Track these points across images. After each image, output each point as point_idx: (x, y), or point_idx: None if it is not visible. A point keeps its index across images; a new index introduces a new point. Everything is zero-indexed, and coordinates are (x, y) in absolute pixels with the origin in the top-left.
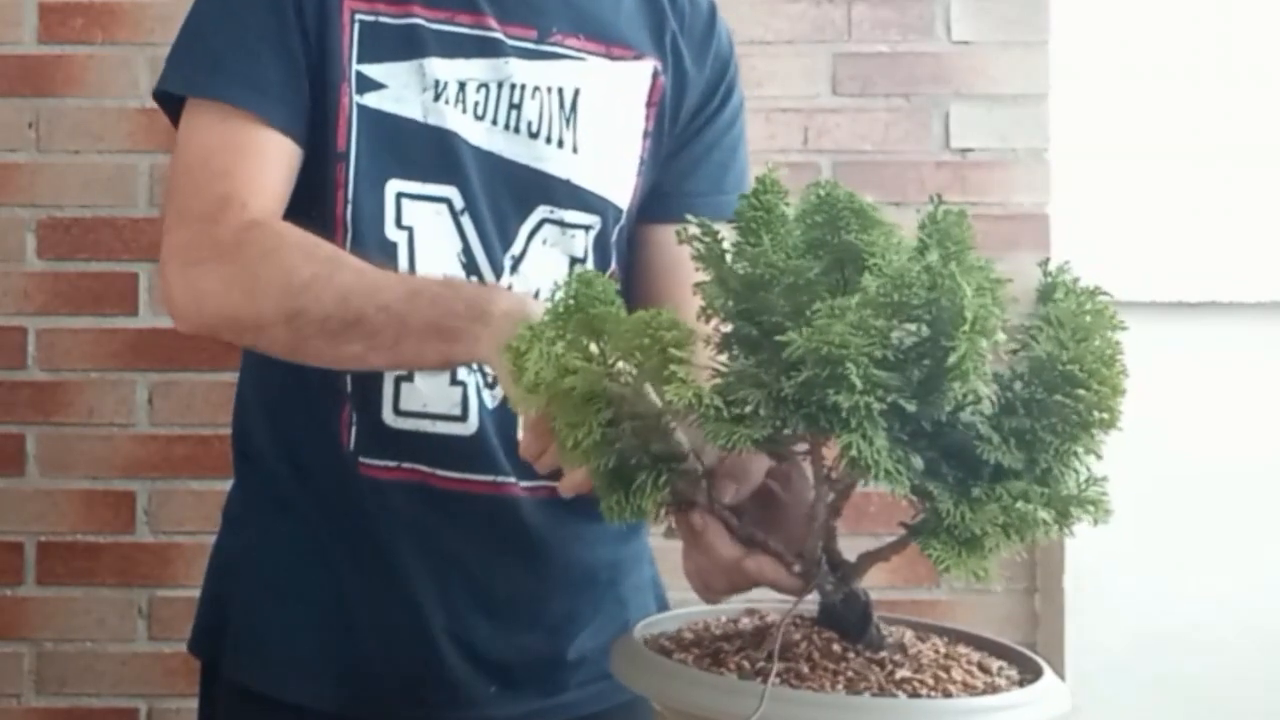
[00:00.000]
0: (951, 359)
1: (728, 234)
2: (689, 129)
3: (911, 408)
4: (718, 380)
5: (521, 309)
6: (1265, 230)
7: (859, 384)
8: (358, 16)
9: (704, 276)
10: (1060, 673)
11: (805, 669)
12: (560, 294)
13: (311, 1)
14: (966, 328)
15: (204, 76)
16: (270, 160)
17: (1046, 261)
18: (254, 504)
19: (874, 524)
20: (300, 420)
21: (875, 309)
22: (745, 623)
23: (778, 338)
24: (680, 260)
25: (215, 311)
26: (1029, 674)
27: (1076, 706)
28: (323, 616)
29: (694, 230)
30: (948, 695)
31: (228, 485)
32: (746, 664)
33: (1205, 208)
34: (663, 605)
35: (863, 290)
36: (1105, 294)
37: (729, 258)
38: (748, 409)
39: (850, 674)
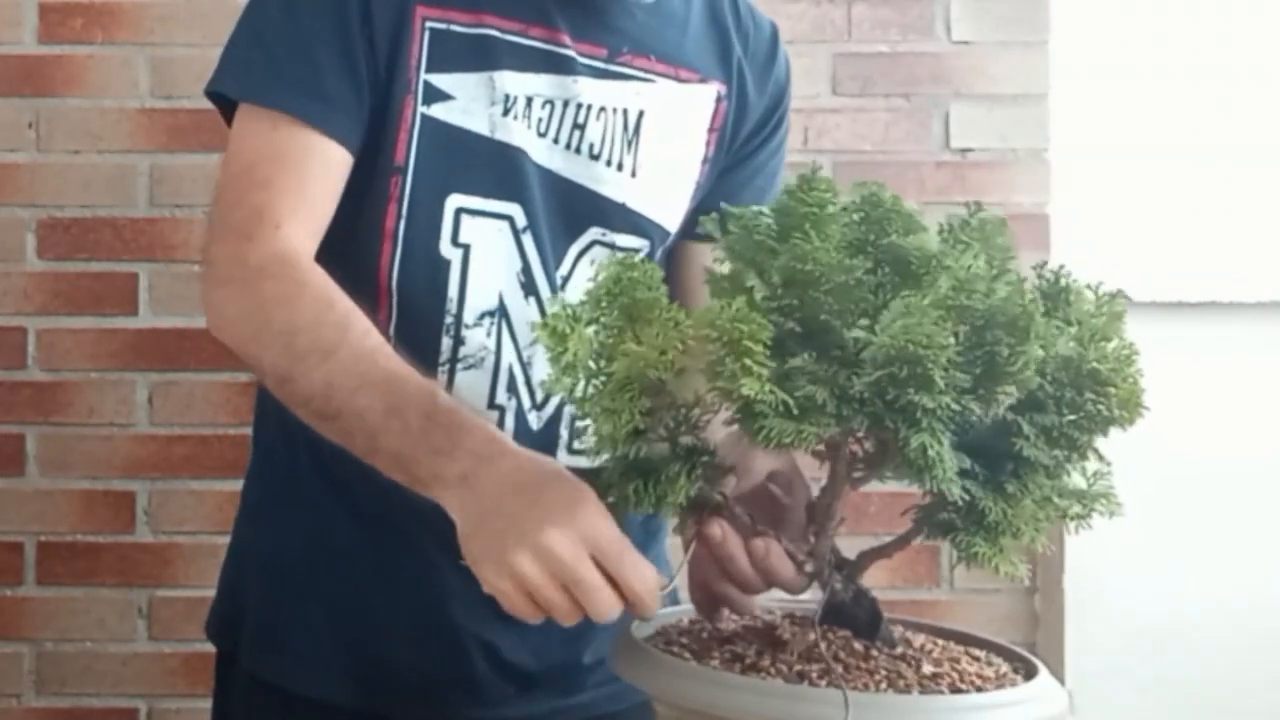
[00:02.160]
0: (1017, 364)
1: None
2: (741, 151)
3: (978, 409)
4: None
5: (477, 469)
6: (1265, 230)
7: (940, 384)
8: (429, 24)
9: (722, 269)
10: (1060, 673)
11: (840, 669)
12: (601, 277)
13: (383, 10)
14: (1032, 335)
15: (261, 82)
16: (315, 170)
17: (1044, 265)
18: (273, 495)
19: (874, 524)
20: None
21: (945, 311)
22: (737, 623)
23: (851, 335)
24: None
25: (230, 336)
26: (1016, 665)
27: (1077, 707)
28: (343, 612)
29: (723, 222)
30: (979, 689)
31: (228, 485)
32: (784, 667)
33: (1205, 208)
34: (675, 603)
35: (934, 290)
36: (1126, 297)
37: (764, 253)
38: (816, 406)
39: (884, 672)
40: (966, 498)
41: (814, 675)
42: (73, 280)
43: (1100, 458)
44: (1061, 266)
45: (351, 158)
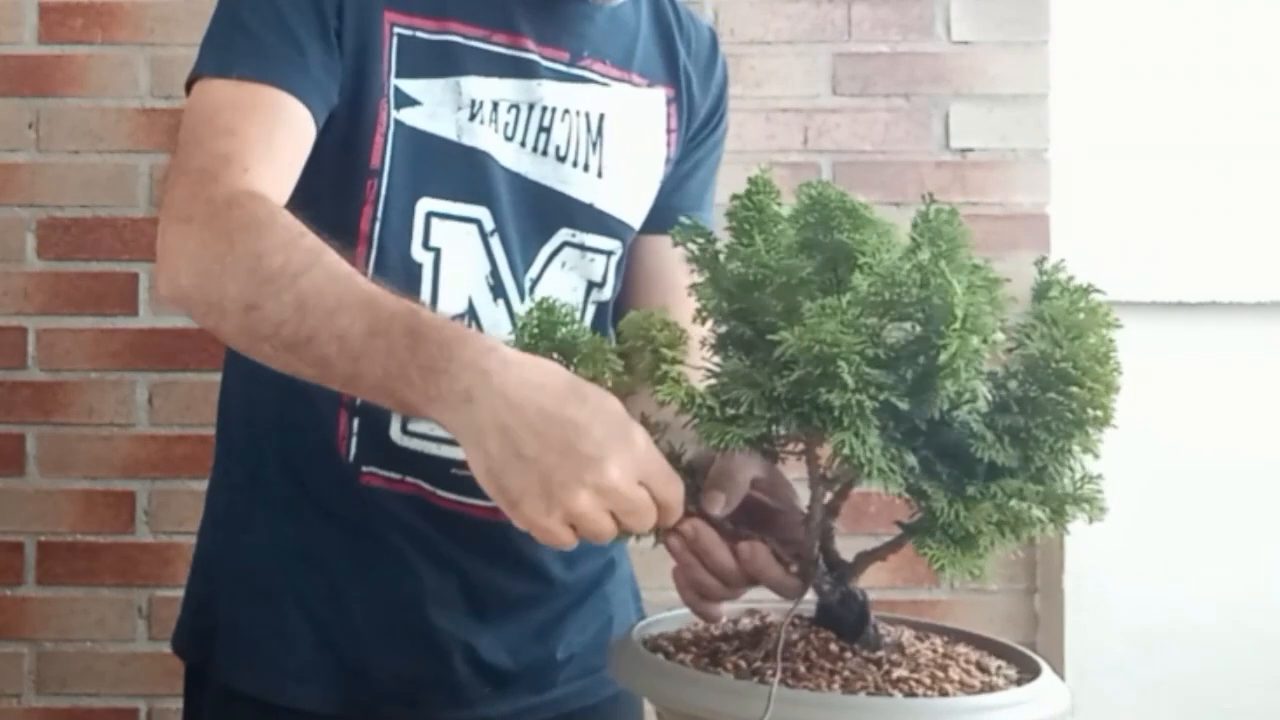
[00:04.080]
0: (942, 357)
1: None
2: (685, 148)
3: (904, 406)
4: (712, 381)
5: (484, 382)
6: (1265, 230)
7: (851, 382)
8: (396, 30)
9: (697, 278)
10: (1060, 673)
11: (802, 668)
12: (524, 325)
13: (352, 9)
14: (957, 325)
15: (235, 58)
16: (280, 122)
17: (1043, 260)
18: (242, 502)
19: (873, 524)
20: (293, 426)
21: (867, 307)
22: (745, 623)
23: (769, 336)
24: (663, 268)
25: (189, 280)
26: (1028, 673)
27: (1076, 706)
28: (319, 618)
29: (687, 232)
30: (944, 694)
31: None
32: (744, 664)
33: (1205, 208)
34: (637, 599)
35: (854, 289)
36: (1099, 291)
37: (722, 259)
38: (741, 409)
39: (847, 673)
40: (907, 496)
41: (768, 673)
42: (73, 280)
43: (1076, 460)
44: (1060, 261)
45: (315, 125)
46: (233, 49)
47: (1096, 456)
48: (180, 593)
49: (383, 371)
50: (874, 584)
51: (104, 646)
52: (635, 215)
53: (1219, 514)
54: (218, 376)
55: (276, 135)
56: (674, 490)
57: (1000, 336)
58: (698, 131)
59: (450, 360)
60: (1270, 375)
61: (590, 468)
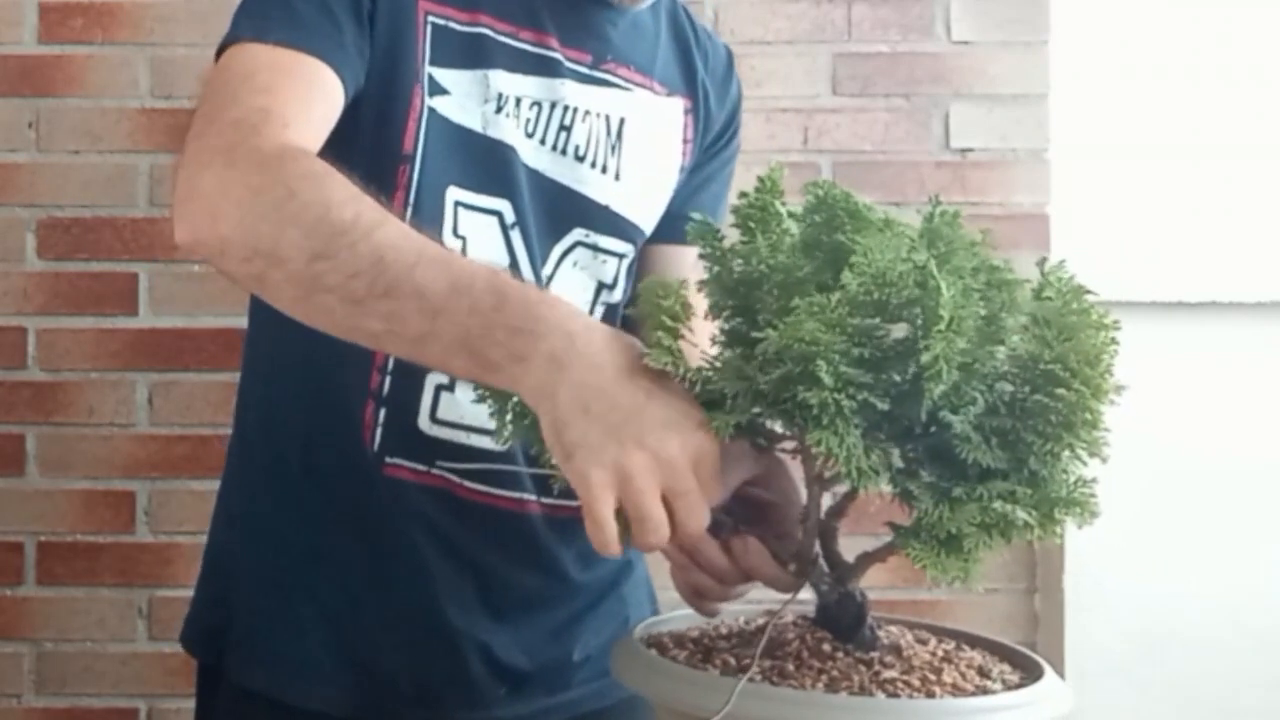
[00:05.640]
0: (925, 358)
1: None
2: (698, 159)
3: (884, 406)
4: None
5: (569, 348)
6: (1265, 230)
7: (829, 381)
8: (431, 18)
9: (706, 275)
10: (1060, 673)
11: (790, 667)
12: None
13: None
14: (942, 327)
15: (271, 25)
16: (316, 88)
17: (1044, 260)
18: (258, 498)
19: (874, 524)
20: (317, 417)
21: (855, 307)
22: (758, 624)
23: (753, 334)
24: (678, 277)
25: (234, 225)
26: (1030, 678)
27: (1077, 707)
28: (334, 617)
29: (699, 229)
30: (930, 696)
31: None
32: (732, 660)
33: (1205, 207)
34: (653, 600)
35: (843, 288)
36: (1091, 293)
37: (729, 256)
38: (729, 403)
39: (834, 673)
40: (893, 494)
41: (749, 669)
42: (73, 280)
43: (1077, 464)
44: (1061, 262)
45: (345, 98)
46: (269, 18)
47: (1104, 460)
48: (181, 592)
49: (464, 330)
50: (874, 584)
51: (104, 646)
52: (648, 220)
53: (1219, 514)
54: (218, 376)
55: (312, 99)
56: (716, 487)
57: (1017, 339)
58: (711, 145)
59: (537, 321)
60: (1270, 375)
61: (652, 432)
